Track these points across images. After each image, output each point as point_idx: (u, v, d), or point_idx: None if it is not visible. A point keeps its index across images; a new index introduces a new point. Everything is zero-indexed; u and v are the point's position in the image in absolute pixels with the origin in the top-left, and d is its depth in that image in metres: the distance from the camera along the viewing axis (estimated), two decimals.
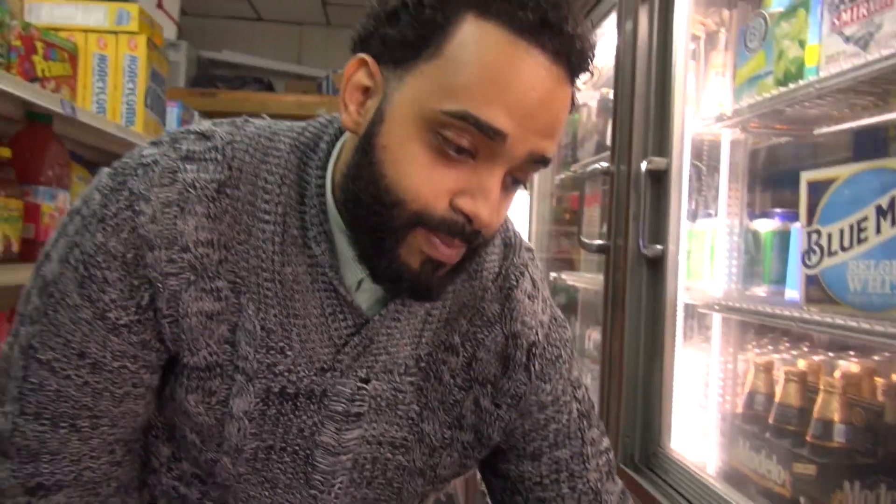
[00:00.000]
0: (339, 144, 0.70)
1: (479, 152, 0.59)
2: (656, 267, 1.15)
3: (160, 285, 0.66)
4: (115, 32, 2.07)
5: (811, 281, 0.89)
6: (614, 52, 1.28)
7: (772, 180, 1.38)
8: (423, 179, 0.60)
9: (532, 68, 0.58)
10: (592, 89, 2.00)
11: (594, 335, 1.62)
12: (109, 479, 0.75)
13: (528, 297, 0.76)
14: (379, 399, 0.73)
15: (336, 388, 0.71)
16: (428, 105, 0.59)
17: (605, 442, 0.82)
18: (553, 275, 2.01)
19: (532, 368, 0.76)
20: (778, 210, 1.32)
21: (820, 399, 0.94)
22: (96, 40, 2.07)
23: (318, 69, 6.12)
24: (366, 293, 0.70)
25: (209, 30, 5.90)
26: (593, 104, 1.88)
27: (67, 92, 1.93)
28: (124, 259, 0.65)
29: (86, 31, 2.06)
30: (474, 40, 0.58)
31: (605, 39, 1.51)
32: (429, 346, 0.73)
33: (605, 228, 1.56)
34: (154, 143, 0.69)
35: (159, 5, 5.18)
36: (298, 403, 0.71)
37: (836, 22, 0.88)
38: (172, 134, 0.70)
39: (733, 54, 1.20)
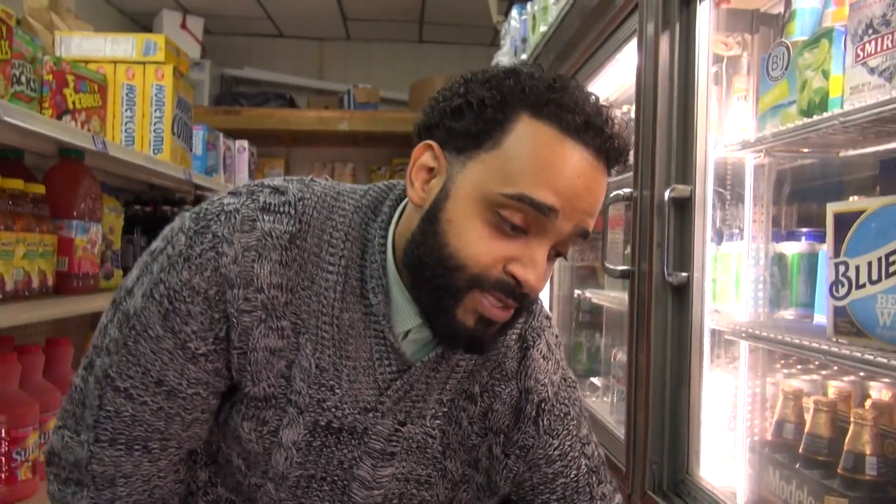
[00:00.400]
0: (399, 208, 0.79)
1: (531, 228, 0.69)
2: (681, 293, 1.15)
3: (235, 320, 0.74)
4: (143, 63, 2.12)
5: (839, 312, 0.89)
6: (635, 75, 1.28)
7: (797, 201, 1.37)
8: (482, 249, 0.70)
9: (577, 161, 0.69)
10: (614, 107, 2.00)
11: (619, 355, 1.62)
12: (174, 494, 0.83)
13: (543, 358, 0.84)
14: (411, 441, 0.80)
15: (376, 427, 0.78)
16: (488, 188, 0.69)
17: (618, 498, 0.87)
18: (577, 292, 2.01)
19: (540, 423, 0.83)
20: (804, 230, 1.31)
21: (851, 431, 0.93)
22: (125, 71, 2.13)
23: (339, 83, 6.17)
24: (410, 343, 0.78)
25: (232, 48, 5.99)
26: None
27: (97, 122, 1.98)
28: (206, 294, 0.73)
29: (114, 62, 2.11)
30: (529, 136, 0.69)
31: (625, 59, 1.51)
32: (452, 392, 0.81)
33: (628, 250, 1.56)
34: (233, 194, 0.77)
35: (183, 26, 5.28)
36: (341, 438, 0.78)
37: (861, 53, 0.87)
38: (249, 186, 0.79)
39: (756, 78, 1.20)
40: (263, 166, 5.42)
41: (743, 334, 1.09)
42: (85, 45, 2.13)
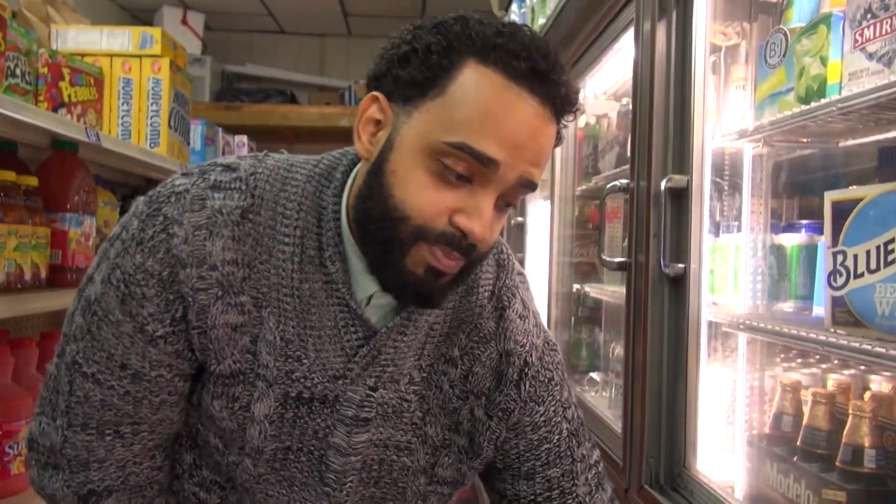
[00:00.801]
0: (353, 174, 0.78)
1: (475, 178, 0.68)
2: (678, 285, 1.13)
3: (191, 300, 0.74)
4: (139, 56, 2.11)
5: (838, 302, 0.87)
6: (632, 66, 1.27)
7: (797, 191, 1.35)
8: (425, 199, 0.69)
9: (522, 109, 0.67)
10: (613, 100, 1.99)
11: (618, 349, 1.60)
12: (152, 482, 0.83)
13: (520, 318, 0.84)
14: (386, 406, 0.79)
15: (347, 394, 0.78)
16: (432, 136, 0.68)
17: (595, 455, 0.89)
18: (576, 286, 1.99)
19: (523, 387, 0.83)
20: (804, 222, 1.29)
21: (849, 423, 0.92)
22: (121, 64, 2.11)
23: (340, 80, 6.16)
24: (375, 309, 0.78)
25: (233, 44, 5.98)
26: (613, 115, 1.86)
27: (93, 116, 1.96)
28: (160, 276, 0.73)
29: (110, 55, 2.10)
30: (474, 83, 0.67)
31: (624, 51, 1.49)
32: (430, 357, 0.81)
33: (626, 243, 1.54)
34: (185, 175, 0.77)
35: (184, 22, 5.27)
36: (313, 407, 0.78)
37: (859, 39, 0.86)
38: (202, 166, 0.79)
39: (754, 67, 1.18)
40: None
41: (741, 326, 1.08)
42: (81, 38, 2.12)
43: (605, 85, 2.00)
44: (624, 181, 1.25)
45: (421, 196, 0.69)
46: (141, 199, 0.77)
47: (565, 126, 0.74)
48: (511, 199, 0.71)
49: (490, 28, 0.68)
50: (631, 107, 1.76)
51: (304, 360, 0.77)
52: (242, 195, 0.75)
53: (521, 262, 2.60)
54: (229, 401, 0.77)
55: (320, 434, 0.79)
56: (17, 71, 1.66)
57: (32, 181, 1.44)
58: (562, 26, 1.76)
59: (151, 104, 2.12)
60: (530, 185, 0.71)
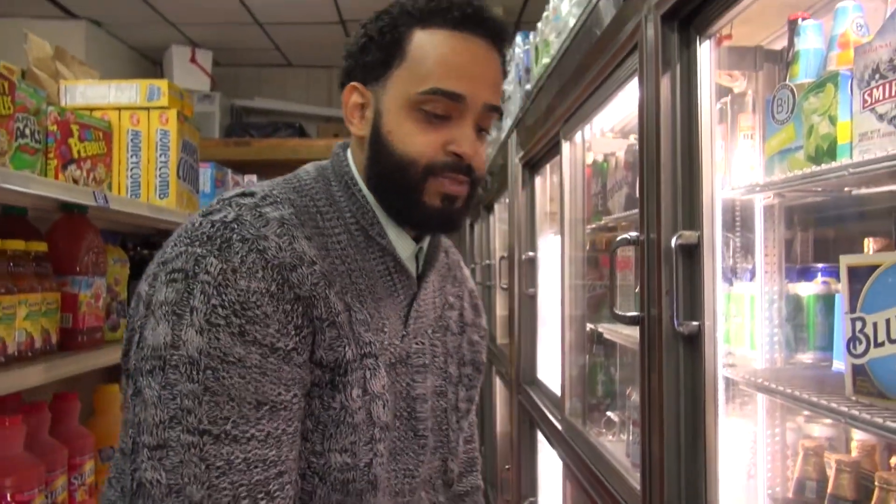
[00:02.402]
0: (350, 159, 0.91)
1: (452, 114, 0.85)
2: (693, 342, 1.11)
3: (311, 295, 0.79)
4: (147, 108, 2.13)
5: (858, 370, 0.85)
6: (637, 116, 1.25)
7: (810, 236, 1.33)
8: (421, 142, 0.84)
9: (469, 48, 0.85)
10: (621, 136, 1.97)
11: (634, 395, 1.58)
12: None
13: (464, 265, 1.12)
14: (428, 354, 0.93)
15: (412, 347, 0.91)
16: (408, 93, 0.84)
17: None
18: (590, 326, 1.96)
19: (480, 309, 1.09)
20: (820, 266, 1.27)
21: (876, 496, 0.89)
22: (129, 117, 2.13)
23: None
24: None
25: (242, 78, 6.04)
26: (621, 154, 1.85)
27: (102, 170, 1.98)
28: (270, 292, 0.76)
29: (119, 108, 2.13)
30: (425, 43, 0.84)
31: (631, 88, 1.48)
32: (439, 308, 0.98)
33: (637, 289, 1.52)
34: (214, 211, 0.81)
35: (192, 60, 5.34)
36: (399, 370, 0.89)
37: (868, 99, 0.84)
38: (222, 199, 0.84)
39: (762, 116, 1.17)
40: None
41: (758, 387, 1.05)
42: (90, 92, 2.14)
43: (612, 121, 1.98)
44: (634, 234, 1.23)
45: (417, 141, 0.84)
46: (182, 251, 0.78)
47: (509, 60, 0.90)
48: (483, 124, 0.88)
49: (420, 0, 0.85)
50: (638, 146, 1.75)
51: (386, 329, 0.87)
52: (282, 205, 0.83)
53: (533, 298, 2.58)
54: (357, 387, 0.81)
55: (404, 392, 0.89)
56: (27, 131, 1.68)
57: (42, 247, 1.45)
58: (565, 69, 1.76)
59: (160, 155, 2.14)
60: (495, 109, 0.88)
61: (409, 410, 0.89)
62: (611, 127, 1.99)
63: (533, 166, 2.55)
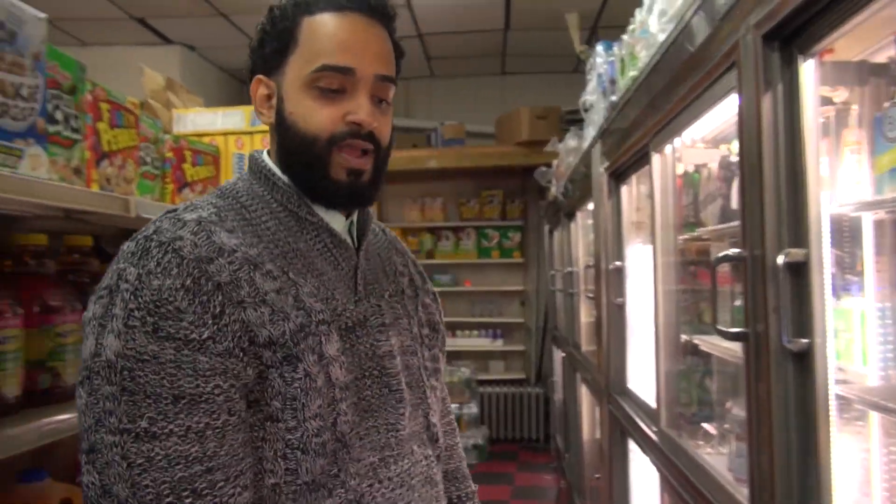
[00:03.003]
0: (266, 156, 0.97)
1: (347, 87, 0.91)
2: (803, 359, 1.11)
3: (237, 279, 0.82)
4: (251, 133, 2.26)
5: None
6: (729, 124, 1.26)
7: None
8: (321, 117, 0.90)
9: (351, 24, 0.91)
10: (712, 146, 1.96)
11: (734, 409, 1.57)
12: None
13: (402, 243, 1.19)
14: (389, 314, 0.99)
15: (368, 311, 0.96)
16: (303, 73, 0.91)
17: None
18: (684, 337, 1.96)
19: (425, 275, 1.17)
20: None
21: None
22: (234, 141, 2.28)
23: (426, 121, 6.31)
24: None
25: None
26: (713, 166, 1.84)
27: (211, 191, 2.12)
28: (185, 286, 0.79)
29: (225, 133, 2.27)
30: (313, 27, 0.91)
31: (726, 106, 1.48)
32: (391, 274, 1.06)
33: (738, 302, 1.51)
34: (140, 230, 0.86)
35: None
36: (357, 333, 0.93)
37: None
38: (140, 231, 0.87)
39: (869, 131, 1.15)
40: None
41: (873, 405, 1.04)
42: (199, 119, 2.30)
43: (703, 131, 1.97)
44: (736, 251, 1.24)
45: (316, 117, 0.90)
46: (117, 259, 0.83)
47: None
48: (381, 94, 0.93)
49: None
50: (732, 158, 1.74)
51: (337, 297, 0.92)
52: (202, 209, 0.88)
53: (621, 308, 2.57)
54: (312, 353, 0.85)
55: (370, 352, 0.94)
56: (148, 158, 1.83)
57: None
58: (654, 83, 1.77)
59: None
60: (388, 79, 0.94)
61: (378, 368, 0.94)
62: (701, 137, 1.98)
63: (618, 176, 2.55)
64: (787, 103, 1.14)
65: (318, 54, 0.90)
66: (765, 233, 1.14)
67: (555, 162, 4.49)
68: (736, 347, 1.50)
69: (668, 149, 1.85)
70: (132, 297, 0.78)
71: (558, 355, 5.17)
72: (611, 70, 2.34)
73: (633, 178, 2.47)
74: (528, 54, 5.77)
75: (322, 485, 0.85)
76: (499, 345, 6.57)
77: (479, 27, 5.13)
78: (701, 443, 1.89)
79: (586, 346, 3.74)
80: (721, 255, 1.24)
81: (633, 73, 1.98)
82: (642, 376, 2.52)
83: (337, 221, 0.97)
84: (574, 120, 5.01)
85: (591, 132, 2.96)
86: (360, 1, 0.92)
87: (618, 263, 2.57)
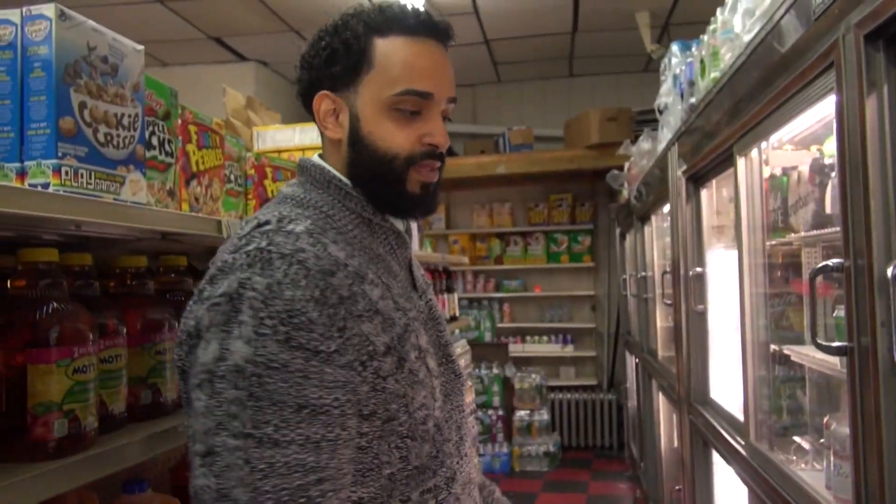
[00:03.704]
0: (326, 166, 1.00)
1: (422, 109, 0.96)
2: None
3: (353, 292, 0.86)
4: None
5: None
6: (835, 137, 1.20)
7: None
8: (400, 138, 0.95)
9: (427, 51, 0.96)
10: (802, 148, 1.88)
11: (834, 425, 1.49)
12: None
13: None
14: (436, 308, 1.08)
15: (430, 304, 1.06)
16: (383, 95, 0.95)
17: None
18: (773, 347, 1.88)
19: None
20: None
21: None
22: (311, 156, 2.33)
23: (493, 126, 6.30)
24: None
25: None
26: (804, 168, 1.76)
27: None
28: (314, 297, 0.82)
29: (303, 149, 2.32)
30: (388, 50, 0.95)
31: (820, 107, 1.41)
32: (423, 279, 1.10)
33: (836, 312, 1.44)
34: (242, 246, 0.87)
35: None
36: (429, 325, 1.01)
37: None
38: (240, 237, 0.90)
39: None
40: None
41: None
42: (278, 136, 2.36)
43: (791, 132, 1.89)
44: (837, 261, 1.18)
45: (396, 137, 0.95)
46: (229, 273, 0.83)
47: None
48: (447, 113, 1.00)
49: (374, 10, 0.97)
50: (826, 160, 1.66)
51: (411, 296, 0.99)
52: (299, 221, 0.90)
53: (702, 315, 2.50)
54: (414, 350, 0.91)
55: (438, 342, 1.02)
56: (232, 176, 1.89)
57: None
58: (739, 85, 1.71)
59: None
60: (453, 100, 1.00)
61: (446, 357, 1.02)
62: (789, 138, 1.90)
63: (697, 179, 2.48)
64: (894, 105, 1.08)
65: (399, 79, 0.94)
66: (871, 241, 1.08)
67: (626, 164, 4.40)
68: (833, 360, 1.43)
69: (753, 152, 1.79)
70: (263, 306, 0.79)
71: (631, 361, 5.06)
72: (689, 72, 2.28)
73: (713, 182, 2.39)
74: (596, 56, 5.68)
75: (427, 467, 0.91)
76: (569, 350, 6.48)
77: (547, 31, 5.09)
78: (794, 458, 1.81)
79: (663, 352, 3.64)
80: (819, 265, 1.19)
81: (714, 74, 1.92)
82: (726, 386, 2.43)
83: (398, 223, 1.03)
84: (646, 120, 4.90)
85: (666, 134, 2.88)
86: (429, 26, 0.97)
87: (698, 269, 2.49)
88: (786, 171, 1.86)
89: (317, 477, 0.78)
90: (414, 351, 0.91)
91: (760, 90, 1.56)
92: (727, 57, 1.81)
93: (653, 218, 3.71)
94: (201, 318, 0.83)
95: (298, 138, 2.33)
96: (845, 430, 1.36)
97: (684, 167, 2.53)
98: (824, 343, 1.18)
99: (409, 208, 0.99)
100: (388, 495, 0.88)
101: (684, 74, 2.36)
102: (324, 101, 0.98)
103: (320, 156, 1.03)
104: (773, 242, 1.86)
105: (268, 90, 5.47)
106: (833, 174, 1.61)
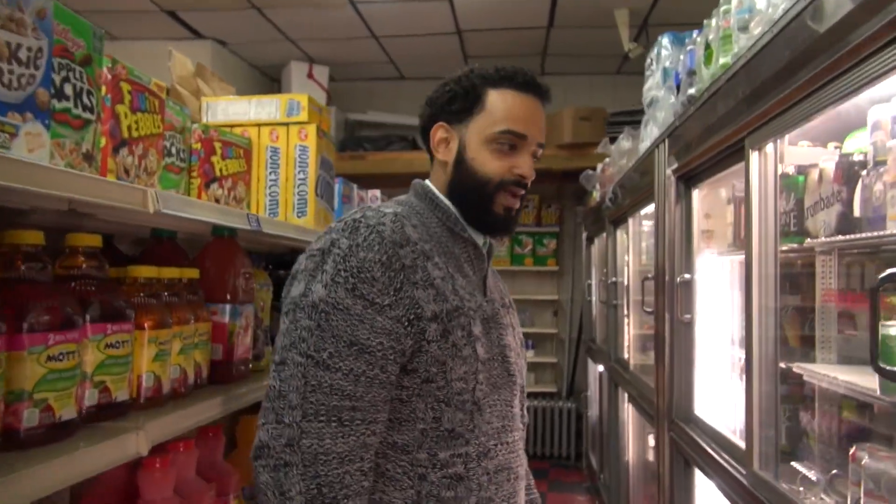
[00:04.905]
0: (429, 184, 1.25)
1: (517, 145, 1.18)
2: None
3: (415, 264, 1.07)
4: (287, 124, 2.04)
5: None
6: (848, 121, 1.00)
7: None
8: (496, 166, 1.18)
9: (527, 102, 1.20)
10: (819, 145, 1.70)
11: (865, 459, 1.30)
12: (360, 494, 1.00)
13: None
14: (504, 318, 1.23)
15: (495, 309, 1.21)
16: (487, 132, 1.18)
17: None
18: (782, 365, 1.69)
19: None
20: None
21: None
22: (269, 133, 2.06)
23: None
24: None
25: (355, 92, 6.05)
26: (827, 166, 1.57)
27: (242, 188, 1.90)
28: (381, 260, 1.05)
29: (258, 124, 2.05)
30: (498, 98, 1.19)
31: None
32: (499, 293, 1.29)
33: (889, 331, 1.25)
34: (342, 220, 1.13)
35: (310, 75, 5.38)
36: (490, 324, 1.17)
37: None
38: (343, 220, 1.13)
39: None
40: None
41: None
42: (230, 109, 2.08)
43: (806, 127, 1.70)
44: (892, 270, 0.98)
45: (491, 165, 1.17)
46: (329, 234, 1.10)
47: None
48: (535, 152, 1.21)
49: (491, 68, 1.21)
50: (857, 157, 1.48)
51: (476, 295, 1.17)
52: (393, 208, 1.16)
53: (689, 326, 2.32)
54: (463, 332, 1.09)
55: (497, 342, 1.17)
56: (173, 149, 1.61)
57: (195, 274, 1.35)
58: (761, 70, 1.51)
59: (298, 172, 2.04)
60: (541, 144, 1.21)
61: (502, 355, 1.17)
62: (805, 134, 1.71)
63: (689, 179, 2.29)
64: None
65: (503, 120, 1.17)
66: None
67: (600, 165, 4.23)
68: (871, 384, 1.24)
69: (769, 147, 1.60)
70: (342, 261, 1.04)
71: (595, 369, 4.90)
72: (689, 61, 2.09)
73: (706, 182, 2.21)
74: (569, 54, 5.51)
75: (460, 434, 1.08)
76: (530, 356, 6.29)
77: (522, 24, 4.89)
78: (801, 489, 1.62)
79: (635, 361, 3.47)
80: (885, 274, 0.99)
81: (724, 60, 1.72)
82: (712, 403, 2.26)
83: (478, 239, 1.22)
84: (619, 122, 4.74)
85: (652, 131, 2.70)
86: (535, 87, 1.21)
87: (686, 276, 2.30)
88: (802, 170, 1.67)
89: (351, 405, 0.99)
90: (461, 330, 1.08)
91: (789, 75, 1.36)
92: (742, 38, 1.61)
93: (630, 221, 3.53)
94: (300, 263, 1.09)
95: (254, 112, 2.05)
96: (881, 465, 1.17)
97: (675, 165, 2.34)
98: (886, 367, 0.98)
99: (491, 225, 1.21)
100: (418, 446, 1.07)
101: (683, 64, 2.17)
102: (439, 130, 1.22)
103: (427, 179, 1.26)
104: (784, 248, 1.67)
105: (224, 72, 5.13)
106: (864, 172, 1.42)
